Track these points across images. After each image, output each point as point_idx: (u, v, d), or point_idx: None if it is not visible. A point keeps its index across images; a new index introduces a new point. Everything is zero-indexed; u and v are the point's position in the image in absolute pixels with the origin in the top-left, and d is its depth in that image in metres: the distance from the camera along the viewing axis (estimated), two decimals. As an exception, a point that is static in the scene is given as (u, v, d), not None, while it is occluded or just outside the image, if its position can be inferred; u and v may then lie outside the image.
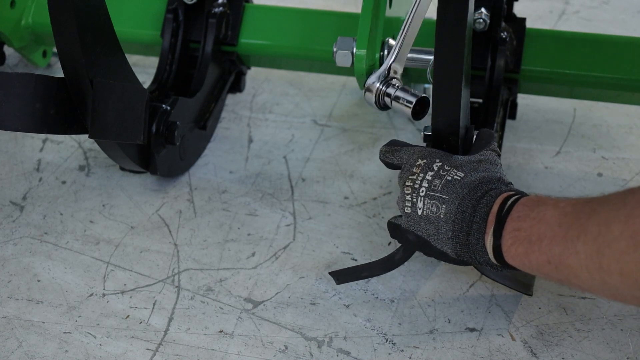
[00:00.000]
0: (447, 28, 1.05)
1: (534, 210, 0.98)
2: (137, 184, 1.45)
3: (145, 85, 1.39)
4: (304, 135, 1.56)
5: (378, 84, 1.13)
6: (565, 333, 1.15)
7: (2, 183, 1.46)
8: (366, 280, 1.24)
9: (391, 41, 1.25)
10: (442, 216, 1.05)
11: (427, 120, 1.16)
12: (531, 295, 1.20)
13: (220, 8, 1.49)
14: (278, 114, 1.62)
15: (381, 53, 1.24)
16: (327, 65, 1.47)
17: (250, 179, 1.46)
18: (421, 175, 1.08)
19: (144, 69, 1.70)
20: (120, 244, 1.33)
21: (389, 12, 1.27)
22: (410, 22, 1.13)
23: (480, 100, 1.38)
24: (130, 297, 1.24)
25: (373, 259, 1.21)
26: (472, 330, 1.16)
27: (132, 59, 1.64)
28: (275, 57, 1.54)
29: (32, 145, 1.55)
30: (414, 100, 1.11)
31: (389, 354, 1.14)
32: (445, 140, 1.12)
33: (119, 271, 1.28)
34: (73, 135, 1.55)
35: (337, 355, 1.14)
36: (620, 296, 0.89)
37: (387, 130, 1.55)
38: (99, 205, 1.40)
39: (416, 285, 1.24)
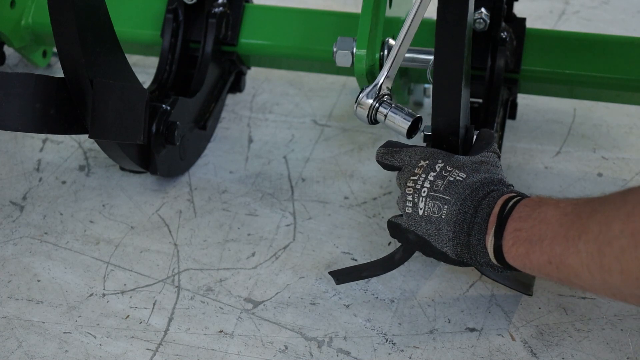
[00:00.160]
0: (447, 28, 1.05)
1: (535, 210, 0.98)
2: (137, 184, 1.45)
3: (145, 85, 1.39)
4: (304, 135, 1.56)
5: (371, 101, 1.13)
6: (565, 333, 1.15)
7: (2, 183, 1.46)
8: (366, 280, 1.24)
9: (391, 41, 1.25)
10: (443, 217, 1.05)
11: (427, 120, 1.16)
12: (531, 295, 1.20)
13: (220, 8, 1.49)
14: (278, 114, 1.62)
15: (381, 53, 1.24)
16: (327, 65, 1.47)
17: (250, 179, 1.46)
18: (423, 175, 1.08)
19: (144, 69, 1.70)
20: (120, 244, 1.33)
21: (389, 12, 1.27)
22: (402, 44, 1.14)
23: (480, 100, 1.38)
24: (130, 297, 1.24)
25: (373, 259, 1.21)
26: (472, 330, 1.16)
27: (132, 59, 1.64)
28: (275, 57, 1.54)
29: (32, 145, 1.55)
30: (409, 121, 1.12)
31: (389, 354, 1.14)
32: (445, 140, 1.12)
33: (119, 271, 1.28)
34: (73, 135, 1.55)
35: (337, 355, 1.14)
36: (621, 295, 0.89)
37: (387, 130, 1.55)
38: (99, 205, 1.40)
39: (416, 285, 1.24)
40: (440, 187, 1.06)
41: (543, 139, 1.53)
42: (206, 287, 1.25)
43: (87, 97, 1.19)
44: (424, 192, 1.07)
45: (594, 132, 1.55)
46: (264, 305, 1.22)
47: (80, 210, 1.39)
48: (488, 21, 1.34)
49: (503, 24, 1.38)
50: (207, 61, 1.48)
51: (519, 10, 1.49)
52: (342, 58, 1.25)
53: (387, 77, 1.14)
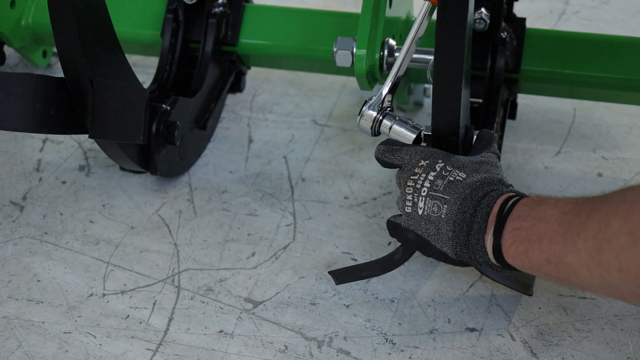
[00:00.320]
0: (447, 28, 1.05)
1: (534, 210, 0.98)
2: (137, 184, 1.45)
3: (145, 85, 1.39)
4: (304, 135, 1.56)
5: (374, 113, 1.15)
6: (565, 333, 1.15)
7: (2, 183, 1.46)
8: (366, 280, 1.24)
9: (391, 41, 1.25)
10: (443, 216, 1.05)
11: (427, 120, 1.16)
12: (531, 295, 1.20)
13: (220, 8, 1.49)
14: (278, 114, 1.62)
15: (381, 53, 1.24)
16: (327, 65, 1.47)
17: (250, 179, 1.46)
18: (423, 175, 1.08)
19: (144, 69, 1.70)
20: (120, 244, 1.33)
21: (389, 12, 1.27)
22: (404, 58, 1.16)
23: (480, 100, 1.38)
24: (130, 297, 1.24)
25: (373, 259, 1.21)
26: (472, 330, 1.16)
27: (132, 59, 1.64)
28: (275, 57, 1.54)
29: (32, 145, 1.55)
30: (414, 134, 1.14)
31: (389, 354, 1.14)
32: (445, 140, 1.12)
33: (119, 271, 1.28)
34: (73, 135, 1.55)
35: (337, 355, 1.14)
36: (619, 294, 0.89)
37: (387, 130, 1.55)
38: (99, 205, 1.40)
39: (416, 285, 1.24)
40: (440, 186, 1.06)
41: (543, 139, 1.53)
42: (206, 287, 1.25)
43: (87, 97, 1.19)
44: (424, 191, 1.07)
45: (594, 132, 1.55)
46: (264, 305, 1.22)
47: (80, 210, 1.39)
48: (488, 21, 1.34)
49: (503, 24, 1.38)
50: (207, 61, 1.48)
51: (519, 10, 1.49)
52: (342, 58, 1.25)
53: (390, 89, 1.15)
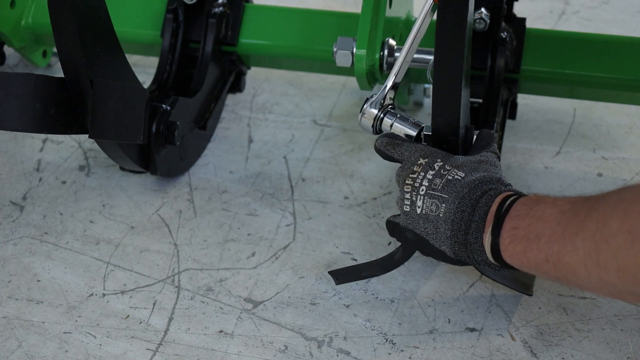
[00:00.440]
0: (447, 28, 1.05)
1: (532, 209, 0.98)
2: (137, 184, 1.45)
3: (145, 85, 1.39)
4: (304, 135, 1.56)
5: (375, 111, 1.15)
6: (565, 333, 1.15)
7: (2, 183, 1.46)
8: (366, 280, 1.24)
9: (391, 41, 1.25)
10: (441, 215, 1.05)
11: (427, 120, 1.16)
12: (531, 295, 1.20)
13: (220, 8, 1.49)
14: (278, 114, 1.62)
15: (381, 53, 1.25)
16: (327, 65, 1.47)
17: (250, 179, 1.46)
18: (422, 174, 1.08)
19: (144, 69, 1.70)
20: (120, 244, 1.33)
21: (389, 12, 1.27)
22: (407, 54, 1.16)
23: (480, 100, 1.38)
24: (130, 297, 1.24)
25: (373, 259, 1.21)
26: (472, 330, 1.16)
27: (132, 59, 1.64)
28: (275, 57, 1.54)
29: (32, 145, 1.55)
30: (415, 131, 1.14)
31: (389, 354, 1.14)
32: (445, 140, 1.12)
33: (119, 271, 1.28)
34: (73, 135, 1.55)
35: (337, 355, 1.14)
36: (618, 294, 0.89)
37: (387, 130, 1.55)
38: (99, 205, 1.40)
39: (416, 285, 1.24)
40: (439, 185, 1.06)
41: (543, 139, 1.53)
42: (206, 287, 1.25)
43: (87, 97, 1.19)
44: (422, 190, 1.07)
45: (594, 132, 1.55)
46: (264, 305, 1.22)
47: (80, 210, 1.39)
48: (488, 21, 1.34)
49: (503, 24, 1.38)
50: (207, 61, 1.48)
51: (519, 10, 1.49)
52: (342, 58, 1.25)
53: (391, 87, 1.15)
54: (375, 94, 1.16)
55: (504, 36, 1.38)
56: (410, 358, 1.13)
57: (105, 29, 1.21)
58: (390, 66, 1.24)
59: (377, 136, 1.17)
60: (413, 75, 1.49)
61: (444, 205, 1.05)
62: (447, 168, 1.07)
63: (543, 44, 1.41)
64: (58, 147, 1.54)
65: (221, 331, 1.18)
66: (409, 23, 1.43)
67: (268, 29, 1.52)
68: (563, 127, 1.56)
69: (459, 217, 1.04)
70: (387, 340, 1.16)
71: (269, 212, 1.38)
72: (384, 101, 1.16)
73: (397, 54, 1.23)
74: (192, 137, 1.46)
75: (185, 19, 1.49)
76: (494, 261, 1.03)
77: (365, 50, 1.21)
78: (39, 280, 1.27)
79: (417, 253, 1.13)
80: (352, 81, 1.65)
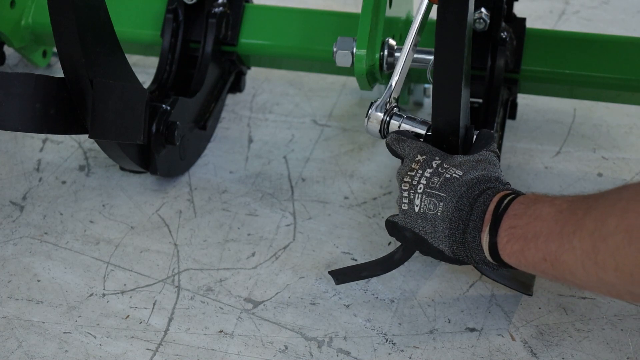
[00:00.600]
0: (447, 28, 1.05)
1: (530, 207, 0.98)
2: (137, 184, 1.45)
3: (145, 85, 1.39)
4: (304, 135, 1.56)
5: (382, 115, 1.14)
6: (565, 333, 1.15)
7: (2, 183, 1.46)
8: (366, 280, 1.24)
9: (391, 41, 1.25)
10: (439, 214, 1.05)
11: (427, 119, 1.16)
12: (531, 295, 1.20)
13: (220, 8, 1.49)
14: (278, 114, 1.62)
15: (381, 53, 1.24)
16: (327, 65, 1.47)
17: (250, 179, 1.46)
18: (420, 172, 1.08)
19: (144, 69, 1.70)
20: (120, 244, 1.33)
21: (389, 12, 1.27)
22: (407, 56, 1.16)
23: (480, 100, 1.38)
24: (130, 297, 1.24)
25: (373, 259, 1.21)
26: (472, 330, 1.16)
27: (132, 59, 1.64)
28: (275, 57, 1.54)
29: (32, 145, 1.55)
30: (423, 131, 1.14)
31: (389, 354, 1.14)
32: (445, 140, 1.12)
33: (119, 271, 1.28)
34: (73, 135, 1.55)
35: (337, 355, 1.14)
36: (616, 293, 0.89)
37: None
38: (99, 205, 1.40)
39: (416, 285, 1.24)
40: (437, 184, 1.06)
41: (543, 139, 1.53)
42: (206, 287, 1.25)
43: (87, 97, 1.19)
44: (420, 188, 1.07)
45: (594, 132, 1.55)
46: (264, 305, 1.22)
47: (80, 210, 1.39)
48: (488, 21, 1.34)
49: (503, 24, 1.38)
50: (207, 61, 1.48)
51: (519, 10, 1.49)
52: (342, 58, 1.25)
53: (395, 89, 1.15)
54: (379, 98, 1.16)
55: (504, 36, 1.38)
56: (410, 358, 1.13)
57: (105, 29, 1.21)
58: (391, 66, 1.24)
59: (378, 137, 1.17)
60: (413, 75, 1.49)
61: (441, 204, 1.05)
62: (445, 166, 1.07)
63: (543, 44, 1.41)
64: (58, 147, 1.54)
65: (221, 331, 1.18)
66: (409, 23, 1.43)
67: (268, 29, 1.52)
68: (563, 127, 1.56)
69: (457, 216, 1.04)
70: (387, 340, 1.16)
71: (269, 212, 1.38)
72: (388, 104, 1.15)
73: (397, 54, 1.23)
74: (192, 137, 1.46)
75: (185, 19, 1.49)
76: (492, 260, 1.03)
77: (365, 50, 1.21)
78: (39, 280, 1.27)
79: (417, 253, 1.13)
80: (352, 81, 1.65)
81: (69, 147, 1.54)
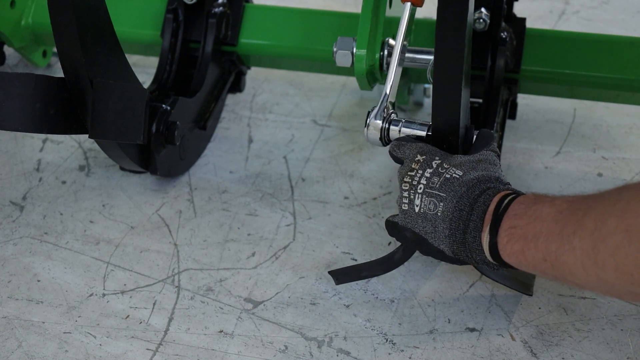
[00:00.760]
0: (447, 28, 1.05)
1: (530, 208, 0.98)
2: (137, 184, 1.45)
3: (145, 85, 1.39)
4: (304, 135, 1.56)
5: (382, 123, 1.14)
6: (565, 333, 1.15)
7: (2, 183, 1.46)
8: (366, 280, 1.24)
9: (391, 41, 1.25)
10: (439, 214, 1.05)
11: (427, 119, 1.16)
12: (531, 295, 1.20)
13: (220, 8, 1.49)
14: (278, 114, 1.62)
15: (381, 53, 1.25)
16: (327, 65, 1.47)
17: (250, 179, 1.46)
18: (420, 172, 1.08)
19: (144, 69, 1.70)
20: (120, 244, 1.33)
21: (389, 12, 1.27)
22: (398, 61, 1.17)
23: (480, 100, 1.38)
24: (130, 297, 1.24)
25: (373, 259, 1.21)
26: (472, 330, 1.16)
27: (132, 59, 1.64)
28: (275, 57, 1.54)
29: (32, 145, 1.55)
30: (424, 132, 1.14)
31: (389, 354, 1.14)
32: (445, 140, 1.12)
33: (119, 271, 1.28)
34: (73, 135, 1.55)
35: (337, 355, 1.14)
36: (616, 292, 0.89)
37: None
38: (99, 205, 1.40)
39: (416, 285, 1.24)
40: (437, 184, 1.06)
41: (543, 139, 1.53)
42: (206, 287, 1.25)
43: (87, 97, 1.19)
44: (420, 188, 1.07)
45: (594, 132, 1.55)
46: (264, 305, 1.22)
47: (80, 210, 1.39)
48: (488, 21, 1.34)
49: (503, 24, 1.38)
50: (207, 61, 1.48)
51: (519, 10, 1.49)
52: (342, 58, 1.25)
53: (390, 94, 1.15)
54: (376, 106, 1.16)
55: (504, 36, 1.38)
56: (410, 358, 1.13)
57: (105, 29, 1.21)
58: (391, 66, 1.24)
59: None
60: (413, 75, 1.49)
61: (441, 204, 1.05)
62: (445, 166, 1.07)
63: (543, 44, 1.41)
64: (58, 147, 1.54)
65: (221, 331, 1.18)
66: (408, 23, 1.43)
67: (268, 29, 1.52)
68: (563, 127, 1.56)
69: (457, 216, 1.04)
70: (387, 340, 1.16)
71: (269, 212, 1.38)
72: (385, 111, 1.15)
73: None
74: (192, 137, 1.46)
75: (185, 19, 1.49)
76: (493, 260, 1.03)
77: (365, 50, 1.21)
78: (39, 280, 1.27)
79: (417, 253, 1.13)
80: (352, 81, 1.65)
81: (69, 147, 1.54)
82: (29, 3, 1.59)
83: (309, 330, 1.18)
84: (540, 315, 1.18)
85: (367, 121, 1.15)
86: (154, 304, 1.22)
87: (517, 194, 1.03)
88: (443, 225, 1.05)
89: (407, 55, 1.23)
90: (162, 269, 1.28)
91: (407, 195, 1.08)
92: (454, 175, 1.06)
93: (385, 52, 1.24)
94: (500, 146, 1.38)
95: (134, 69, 1.28)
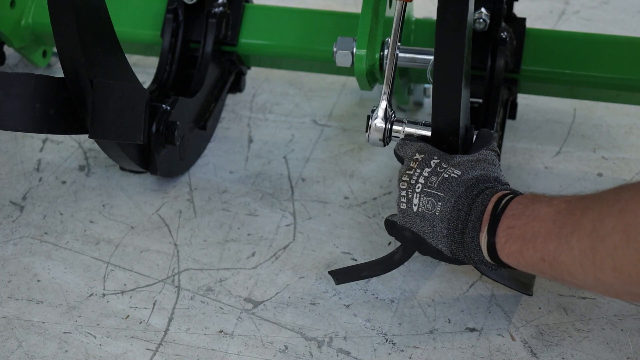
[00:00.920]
0: (447, 28, 1.05)
1: (528, 208, 0.98)
2: (137, 184, 1.45)
3: (145, 85, 1.39)
4: (304, 135, 1.56)
5: (384, 124, 1.14)
6: (565, 333, 1.15)
7: (2, 183, 1.46)
8: (366, 280, 1.24)
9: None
10: (437, 214, 1.05)
11: (427, 119, 1.16)
12: (531, 295, 1.20)
13: (220, 8, 1.49)
14: (278, 114, 1.62)
15: (381, 53, 1.25)
16: (327, 65, 1.47)
17: (250, 179, 1.46)
18: (418, 171, 1.08)
19: (144, 69, 1.70)
20: (120, 244, 1.33)
21: (389, 12, 1.27)
22: (394, 61, 1.16)
23: (480, 100, 1.38)
24: (130, 297, 1.24)
25: (373, 259, 1.21)
26: (472, 330, 1.16)
27: (132, 59, 1.64)
28: (275, 57, 1.54)
29: (32, 145, 1.55)
30: (428, 132, 1.14)
31: (389, 354, 1.14)
32: (445, 140, 1.12)
33: (119, 271, 1.28)
34: (73, 135, 1.55)
35: (337, 355, 1.14)
36: (614, 292, 0.89)
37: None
38: (99, 205, 1.40)
39: (416, 285, 1.24)
40: (435, 183, 1.06)
41: (543, 139, 1.53)
42: (206, 287, 1.25)
43: (87, 97, 1.19)
44: (418, 187, 1.07)
45: (594, 132, 1.55)
46: (264, 305, 1.22)
47: (80, 210, 1.39)
48: (488, 21, 1.34)
49: (503, 24, 1.38)
50: (207, 61, 1.48)
51: (519, 10, 1.49)
52: (342, 58, 1.25)
53: (388, 96, 1.15)
54: (376, 109, 1.16)
55: (504, 36, 1.38)
56: (410, 358, 1.13)
57: (105, 29, 1.21)
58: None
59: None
60: (413, 75, 1.49)
61: (440, 203, 1.05)
62: (444, 166, 1.07)
63: (543, 44, 1.41)
64: (58, 147, 1.54)
65: (221, 331, 1.18)
66: (408, 23, 1.43)
67: (268, 29, 1.52)
68: (563, 127, 1.56)
69: (455, 216, 1.04)
70: (387, 340, 1.16)
71: (269, 212, 1.38)
72: (386, 112, 1.15)
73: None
74: (192, 137, 1.46)
75: (185, 19, 1.49)
76: (491, 260, 1.03)
77: (365, 50, 1.21)
78: (39, 280, 1.27)
79: (417, 253, 1.13)
80: (352, 81, 1.65)
81: (69, 147, 1.54)
82: (29, 3, 1.59)
83: (309, 330, 1.18)
84: (540, 315, 1.18)
85: (369, 124, 1.15)
86: (154, 304, 1.22)
87: (515, 194, 1.03)
88: (441, 225, 1.05)
89: (407, 55, 1.23)
90: (162, 269, 1.28)
91: (405, 195, 1.08)
92: (452, 174, 1.06)
93: (385, 52, 1.24)
94: (500, 146, 1.38)
95: (134, 69, 1.28)
